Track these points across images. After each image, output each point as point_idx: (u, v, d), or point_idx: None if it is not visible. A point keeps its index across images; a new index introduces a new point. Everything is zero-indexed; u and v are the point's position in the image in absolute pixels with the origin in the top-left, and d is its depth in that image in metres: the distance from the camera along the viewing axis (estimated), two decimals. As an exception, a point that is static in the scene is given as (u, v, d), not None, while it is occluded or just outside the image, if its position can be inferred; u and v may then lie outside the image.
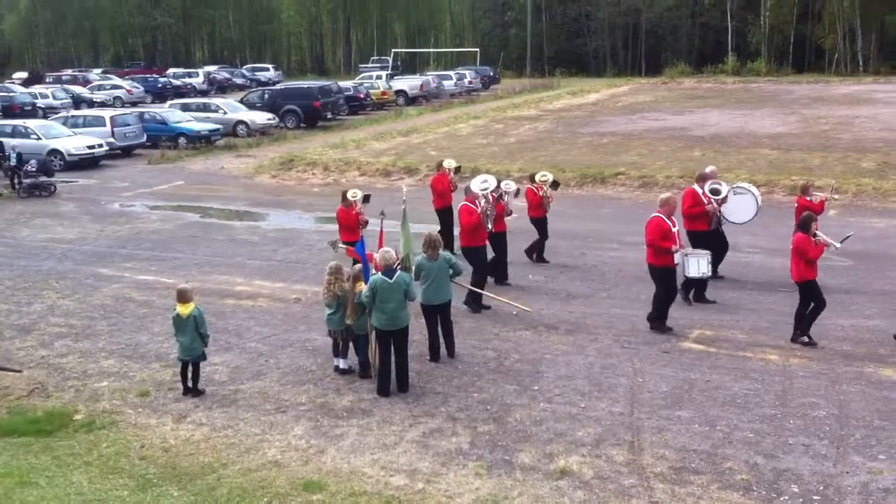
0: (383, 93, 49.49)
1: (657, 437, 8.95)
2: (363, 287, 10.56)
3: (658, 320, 12.11)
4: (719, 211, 13.77)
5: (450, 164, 17.04)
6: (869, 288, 13.72)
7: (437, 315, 11.24)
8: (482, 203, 13.42)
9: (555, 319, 12.74)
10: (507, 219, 14.54)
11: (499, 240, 14.35)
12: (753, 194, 14.63)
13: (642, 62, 76.07)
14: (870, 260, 15.23)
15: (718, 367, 10.70)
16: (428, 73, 61.43)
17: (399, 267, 10.57)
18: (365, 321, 10.71)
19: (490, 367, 11.01)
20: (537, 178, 15.89)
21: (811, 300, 11.33)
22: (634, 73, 73.91)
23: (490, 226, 13.67)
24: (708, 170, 14.61)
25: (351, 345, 11.06)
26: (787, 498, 7.72)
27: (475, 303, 13.20)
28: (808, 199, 14.08)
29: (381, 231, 11.85)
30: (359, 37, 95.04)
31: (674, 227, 11.91)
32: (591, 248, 16.92)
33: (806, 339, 11.34)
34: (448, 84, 56.17)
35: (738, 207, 14.23)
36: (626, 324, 12.44)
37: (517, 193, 15.79)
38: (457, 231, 14.26)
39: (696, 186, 13.81)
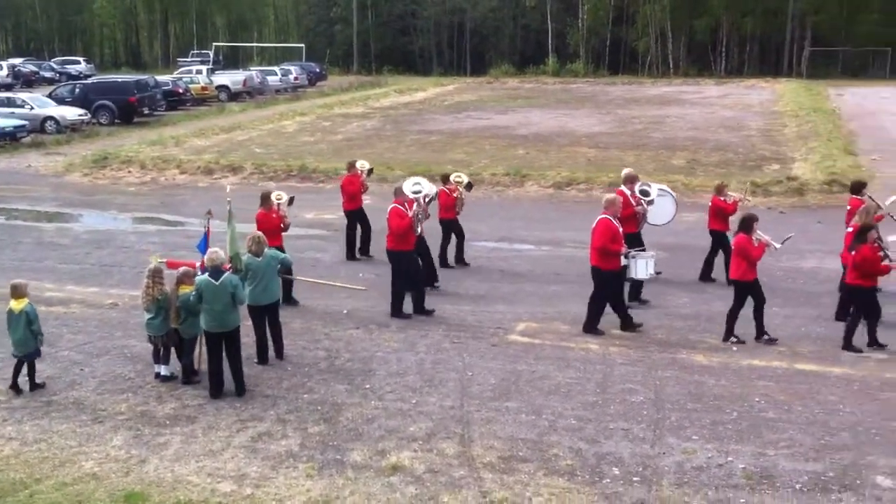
0: (204, 88, 47.95)
1: (486, 428, 9.10)
2: (188, 289, 10.18)
3: (592, 322, 11.98)
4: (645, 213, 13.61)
5: (363, 165, 16.56)
6: (681, 278, 14.50)
7: (265, 315, 10.98)
8: (414, 207, 12.94)
9: (386, 317, 12.73)
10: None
11: (420, 243, 13.96)
12: (672, 196, 14.58)
13: (467, 62, 77.57)
14: (682, 252, 16.09)
15: (543, 358, 11.01)
16: (251, 69, 59.96)
17: (230, 269, 10.23)
18: (192, 325, 10.33)
19: (320, 367, 10.86)
20: (452, 178, 15.56)
21: (753, 299, 11.50)
22: (460, 73, 75.19)
23: (419, 230, 13.24)
24: (625, 172, 14.50)
25: (174, 350, 10.63)
26: (608, 480, 8.03)
27: (397, 311, 12.80)
28: (723, 199, 14.23)
29: (209, 231, 11.44)
30: (177, 29, 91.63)
31: (620, 228, 11.85)
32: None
33: (767, 336, 11.54)
34: (273, 80, 55.07)
35: (660, 209, 14.00)
36: (456, 319, 12.60)
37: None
38: (380, 234, 13.74)
39: (624, 188, 13.46)
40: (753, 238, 11.35)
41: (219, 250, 10.09)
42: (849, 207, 13.62)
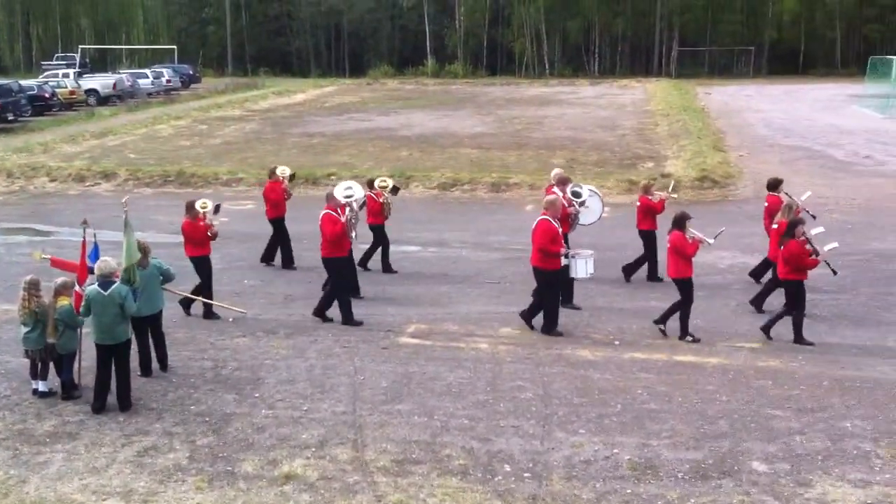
0: (72, 92, 46.03)
1: (379, 432, 9.12)
2: (66, 301, 9.82)
3: (552, 325, 11.96)
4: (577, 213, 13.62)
5: (283, 171, 16.10)
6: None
7: (149, 326, 10.69)
8: (347, 212, 12.67)
9: (274, 323, 12.57)
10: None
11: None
12: (599, 196, 14.57)
13: (346, 63, 77.25)
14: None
15: (434, 359, 11.10)
16: (121, 72, 57.98)
17: (125, 279, 9.87)
18: (69, 339, 9.96)
19: (207, 377, 10.64)
20: (377, 184, 15.30)
21: (686, 296, 11.75)
22: (339, 74, 74.81)
23: (354, 235, 12.97)
24: (554, 172, 14.60)
25: (52, 365, 10.22)
26: (500, 478, 8.17)
27: (348, 318, 12.52)
28: (650, 198, 14.46)
29: (84, 242, 11.00)
30: (40, 32, 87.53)
31: (560, 229, 11.87)
32: (308, 250, 16.78)
33: (690, 337, 11.74)
34: (144, 83, 53.35)
35: (588, 210, 13.95)
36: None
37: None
38: (310, 242, 13.27)
39: (556, 189, 13.46)
40: (687, 235, 11.61)
41: (109, 259, 9.78)
42: (766, 204, 14.04)
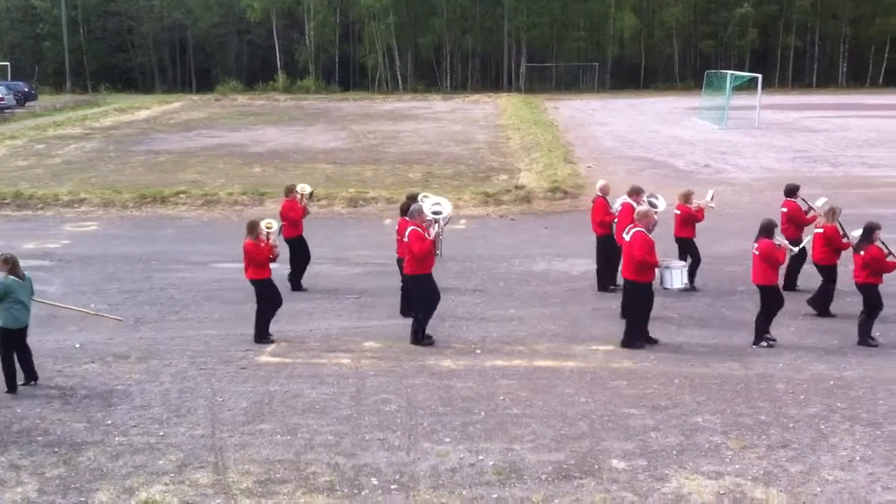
0: None
1: (241, 453, 8.87)
2: None
3: (634, 337, 11.85)
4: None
5: (304, 188, 15.28)
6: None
7: (19, 340, 10.49)
8: (436, 228, 12.13)
9: (125, 347, 12.04)
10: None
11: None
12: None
13: (192, 78, 75.17)
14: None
15: (296, 377, 10.90)
16: (-50, 89, 54.47)
17: None
18: None
19: (55, 406, 10.07)
20: (298, 189, 14.96)
21: (772, 303, 11.78)
22: (186, 90, 72.75)
23: (439, 252, 12.39)
24: (600, 184, 14.68)
25: None
26: (367, 492, 8.09)
27: (423, 337, 12.07)
28: (689, 206, 14.35)
29: None
30: None
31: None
32: (157, 271, 16.28)
33: (765, 342, 11.76)
34: (-25, 101, 50.39)
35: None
36: (201, 345, 12.16)
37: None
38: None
39: (629, 200, 13.68)
40: (775, 242, 11.72)
41: None
42: (784, 210, 14.20)
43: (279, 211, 15.21)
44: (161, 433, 9.35)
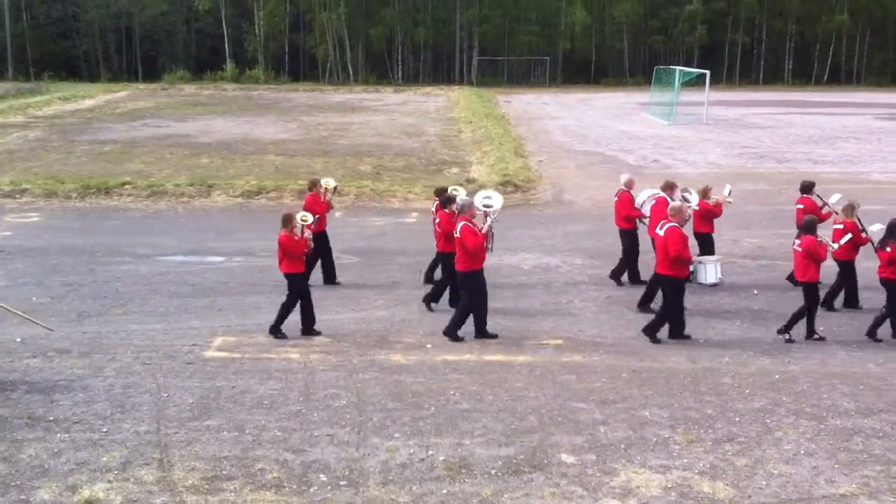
0: None
1: (187, 450, 8.73)
2: None
3: (680, 328, 11.87)
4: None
5: (328, 183, 14.74)
6: (374, 282, 14.84)
7: None
8: (488, 221, 11.88)
9: (67, 342, 11.77)
10: None
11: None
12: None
13: (139, 67, 73.81)
14: (373, 256, 16.49)
15: (244, 372, 10.76)
16: None
17: None
18: None
19: (-8, 403, 9.82)
20: (322, 183, 14.65)
21: (812, 298, 11.80)
22: (132, 79, 71.36)
23: (490, 247, 12.09)
24: (624, 178, 14.56)
25: None
26: (316, 488, 8.02)
27: (482, 331, 12.01)
28: (708, 202, 14.31)
29: None
30: None
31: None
32: (101, 263, 15.94)
33: (817, 335, 11.83)
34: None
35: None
36: (146, 339, 11.94)
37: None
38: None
39: (664, 194, 13.67)
40: (818, 239, 11.75)
41: None
42: (800, 206, 14.23)
43: (304, 206, 14.71)
44: (105, 429, 9.16)
